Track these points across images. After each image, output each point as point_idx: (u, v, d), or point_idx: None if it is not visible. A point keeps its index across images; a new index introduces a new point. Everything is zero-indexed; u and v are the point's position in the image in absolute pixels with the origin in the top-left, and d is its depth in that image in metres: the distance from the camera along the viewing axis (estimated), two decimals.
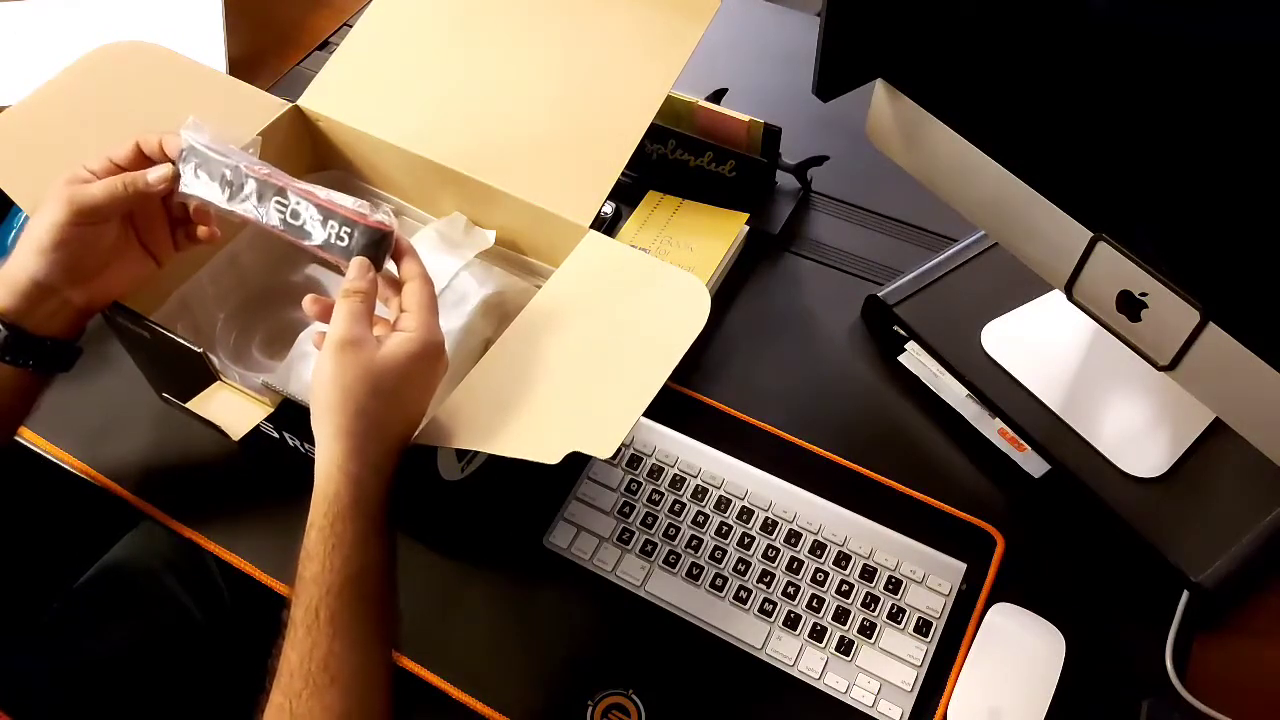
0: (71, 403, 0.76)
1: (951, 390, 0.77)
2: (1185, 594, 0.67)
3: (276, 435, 0.67)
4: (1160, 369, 0.61)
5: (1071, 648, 0.64)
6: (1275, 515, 0.68)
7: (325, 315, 0.57)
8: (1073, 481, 0.71)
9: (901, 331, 0.79)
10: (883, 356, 0.81)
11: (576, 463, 0.74)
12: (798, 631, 0.66)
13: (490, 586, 0.69)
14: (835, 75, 0.69)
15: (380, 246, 0.58)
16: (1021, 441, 0.73)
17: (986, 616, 0.66)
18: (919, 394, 0.79)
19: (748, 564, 0.69)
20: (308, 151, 0.78)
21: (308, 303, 0.58)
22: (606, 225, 0.89)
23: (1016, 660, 0.64)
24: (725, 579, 0.68)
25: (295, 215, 0.59)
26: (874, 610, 0.67)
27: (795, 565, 0.69)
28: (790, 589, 0.68)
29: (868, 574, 0.68)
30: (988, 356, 0.76)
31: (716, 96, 0.91)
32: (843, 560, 0.69)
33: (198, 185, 0.60)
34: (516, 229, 0.72)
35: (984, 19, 0.60)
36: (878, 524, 0.70)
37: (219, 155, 0.59)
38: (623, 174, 0.68)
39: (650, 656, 0.66)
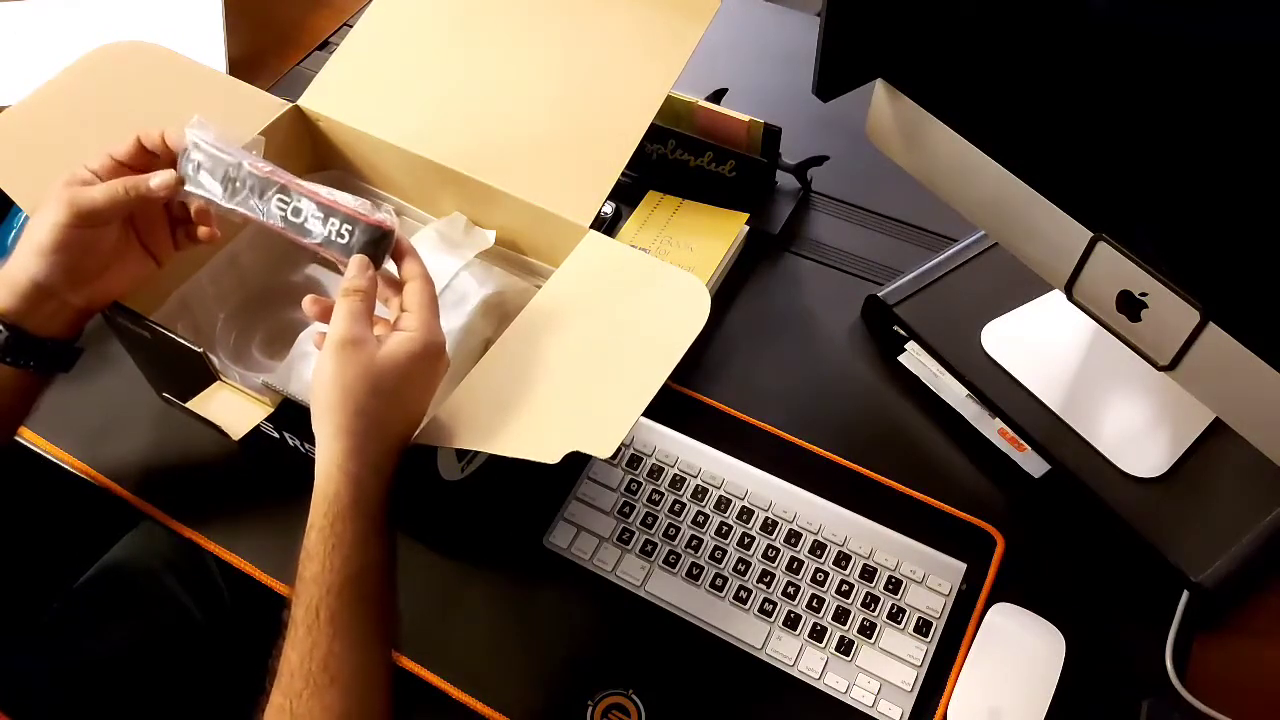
0: (71, 403, 0.76)
1: (951, 390, 0.77)
2: (1185, 594, 0.67)
3: (276, 435, 0.67)
4: (1160, 369, 0.61)
5: (1071, 648, 0.64)
6: (1275, 515, 0.68)
7: (325, 316, 0.57)
8: (1073, 481, 0.71)
9: (901, 331, 0.79)
10: (883, 356, 0.81)
11: (576, 463, 0.74)
12: (798, 631, 0.66)
13: (490, 586, 0.69)
14: (835, 75, 0.69)
15: (380, 245, 0.58)
16: (1021, 441, 0.73)
17: (986, 616, 0.66)
18: (919, 394, 0.79)
19: (748, 564, 0.69)
20: (308, 151, 0.78)
21: (307, 303, 0.58)
22: (606, 225, 0.89)
23: (1016, 660, 0.65)
24: (725, 579, 0.68)
25: (296, 213, 0.59)
26: (874, 610, 0.67)
27: (795, 565, 0.69)
28: (790, 589, 0.68)
29: (868, 574, 0.68)
30: (988, 356, 0.76)
31: (716, 96, 0.91)
32: (843, 560, 0.69)
33: (200, 183, 0.60)
34: (516, 229, 0.72)
35: (984, 19, 0.60)
36: (878, 524, 0.70)
37: (222, 153, 0.59)
38: (623, 174, 0.68)
39: (650, 656, 0.66)
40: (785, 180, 0.92)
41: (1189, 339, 0.58)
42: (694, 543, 0.70)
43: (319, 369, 0.54)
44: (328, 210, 0.58)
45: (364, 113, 0.74)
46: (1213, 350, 0.57)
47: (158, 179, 0.59)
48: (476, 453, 0.66)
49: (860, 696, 0.64)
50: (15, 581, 0.80)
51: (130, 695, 0.77)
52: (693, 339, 0.57)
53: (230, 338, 0.74)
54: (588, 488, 0.73)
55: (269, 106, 0.74)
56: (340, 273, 0.58)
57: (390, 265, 0.59)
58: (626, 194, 0.90)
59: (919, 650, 0.65)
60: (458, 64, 0.74)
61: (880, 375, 0.81)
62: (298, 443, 0.66)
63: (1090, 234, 0.61)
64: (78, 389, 0.76)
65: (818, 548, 0.69)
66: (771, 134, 0.85)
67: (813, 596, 0.67)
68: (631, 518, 0.71)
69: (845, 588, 0.68)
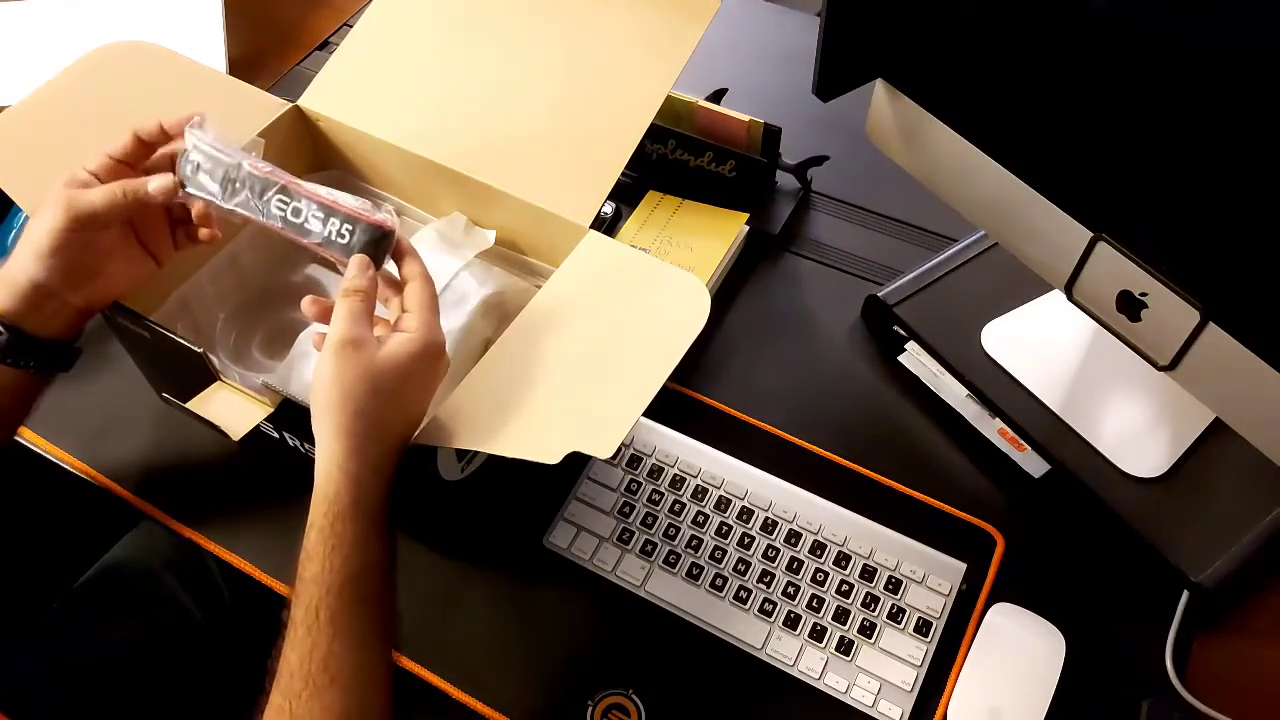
0: (71, 403, 0.76)
1: (951, 390, 0.77)
2: (1185, 594, 0.67)
3: (276, 435, 0.67)
4: (1160, 369, 0.61)
5: (1071, 648, 0.64)
6: (1275, 515, 0.68)
7: (324, 317, 0.57)
8: (1073, 481, 0.71)
9: (901, 331, 0.79)
10: (883, 356, 0.81)
11: (576, 463, 0.74)
12: (798, 631, 0.66)
13: (490, 586, 0.69)
14: (835, 75, 0.69)
15: (381, 245, 0.58)
16: (1021, 441, 0.73)
17: (986, 616, 0.66)
18: (919, 394, 0.79)
19: (748, 564, 0.69)
20: (308, 151, 0.78)
21: (307, 304, 0.58)
22: (606, 225, 0.89)
23: (1016, 660, 0.64)
24: (725, 579, 0.68)
25: (296, 213, 0.59)
26: (874, 610, 0.67)
27: (795, 565, 0.69)
28: (790, 589, 0.68)
29: (868, 574, 0.68)
30: (988, 356, 0.76)
31: (716, 96, 0.91)
32: (843, 560, 0.69)
33: (199, 184, 0.60)
34: (516, 229, 0.72)
35: (984, 19, 0.60)
36: (878, 524, 0.70)
37: (221, 155, 0.59)
38: (623, 174, 0.68)
39: (650, 656, 0.66)
40: (785, 180, 0.92)
41: (1189, 339, 0.58)
42: (694, 543, 0.70)
43: (319, 369, 0.54)
44: (328, 210, 0.58)
45: (364, 113, 0.74)
46: (1213, 350, 0.57)
47: (155, 183, 0.59)
48: (476, 453, 0.66)
49: (860, 696, 0.64)
50: (15, 581, 0.80)
51: (130, 695, 0.77)
52: (693, 339, 0.57)
53: (230, 338, 0.74)
54: (588, 488, 0.73)
55: (269, 106, 0.74)
56: (340, 273, 0.58)
57: (391, 265, 0.59)
58: (626, 194, 0.90)
59: (919, 650, 0.65)
60: (458, 64, 0.74)
61: (880, 375, 0.81)
62: (298, 443, 0.66)
63: (1090, 234, 0.61)
64: (78, 389, 0.76)
65: (818, 548, 0.69)
66: (771, 134, 0.85)
67: (813, 596, 0.67)
68: (631, 518, 0.71)
69: (845, 588, 0.68)
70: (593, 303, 0.62)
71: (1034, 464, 0.73)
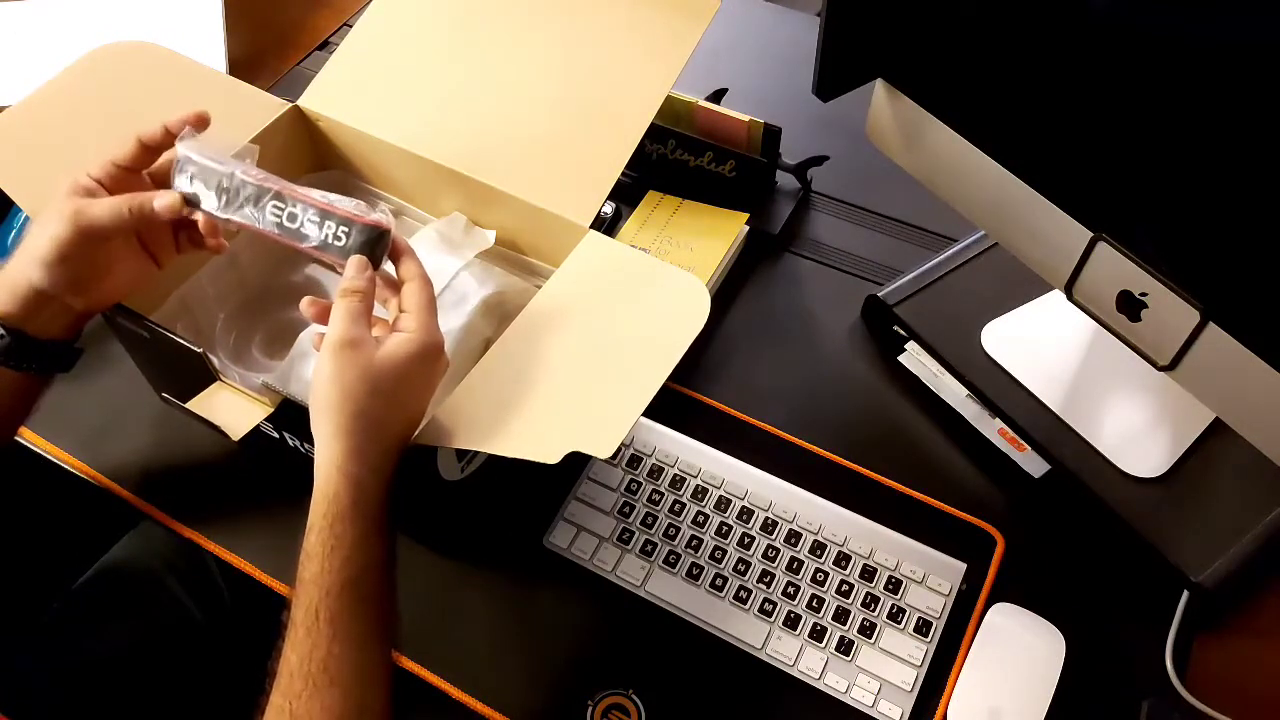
0: (71, 403, 0.76)
1: (951, 390, 0.77)
2: (1185, 594, 0.67)
3: (276, 435, 0.67)
4: (1160, 369, 0.61)
5: (1071, 648, 0.64)
6: (1275, 515, 0.68)
7: (323, 317, 0.57)
8: (1073, 481, 0.71)
9: (901, 331, 0.79)
10: (883, 356, 0.81)
11: (576, 463, 0.74)
12: (798, 631, 0.66)
13: (490, 586, 0.69)
14: (835, 75, 0.69)
15: (377, 245, 0.58)
16: (1021, 441, 0.73)
17: (986, 616, 0.66)
18: (919, 394, 0.79)
19: (748, 564, 0.69)
20: (308, 151, 0.77)
21: (305, 304, 0.58)
22: (606, 225, 0.89)
23: (1016, 660, 0.64)
24: (725, 579, 0.68)
25: (292, 218, 0.59)
26: (874, 610, 0.67)
27: (795, 565, 0.69)
28: (790, 589, 0.68)
29: (868, 574, 0.68)
30: (988, 356, 0.76)
31: (716, 96, 0.91)
32: (843, 560, 0.69)
33: (194, 195, 0.60)
34: (516, 229, 0.72)
35: (984, 19, 0.60)
36: (878, 524, 0.70)
37: (214, 164, 0.59)
38: (623, 174, 0.68)
39: (650, 656, 0.66)
40: (785, 180, 0.92)
41: (1189, 339, 0.58)
42: (694, 543, 0.70)
43: (318, 370, 0.54)
44: (323, 213, 0.58)
45: (364, 113, 0.74)
46: (1213, 350, 0.57)
47: (162, 200, 0.59)
48: (476, 453, 0.66)
49: (860, 696, 0.64)
50: (15, 581, 0.80)
51: (130, 695, 0.77)
52: (693, 339, 0.57)
53: (230, 338, 0.74)
54: (588, 488, 0.73)
55: (269, 106, 0.74)
56: (339, 274, 0.58)
57: (389, 266, 0.59)
58: (626, 194, 0.90)
59: (919, 650, 0.65)
60: (458, 64, 0.74)
61: (880, 375, 0.81)
62: (298, 443, 0.66)
63: (1090, 234, 0.61)
64: (78, 389, 0.76)
65: (818, 548, 0.69)
66: (771, 134, 0.85)
67: (813, 596, 0.67)
68: (631, 518, 0.71)
69: (845, 588, 0.68)
70: (593, 303, 0.62)
71: (1034, 464, 0.73)
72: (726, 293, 0.86)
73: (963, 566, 0.69)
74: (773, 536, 0.70)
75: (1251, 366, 0.55)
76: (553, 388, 0.57)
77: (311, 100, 0.75)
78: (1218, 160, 0.52)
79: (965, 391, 0.76)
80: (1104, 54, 0.55)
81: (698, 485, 0.72)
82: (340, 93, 0.75)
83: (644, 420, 0.76)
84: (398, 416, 0.55)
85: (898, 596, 0.67)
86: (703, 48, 0.69)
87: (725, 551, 0.69)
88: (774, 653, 0.65)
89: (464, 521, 0.71)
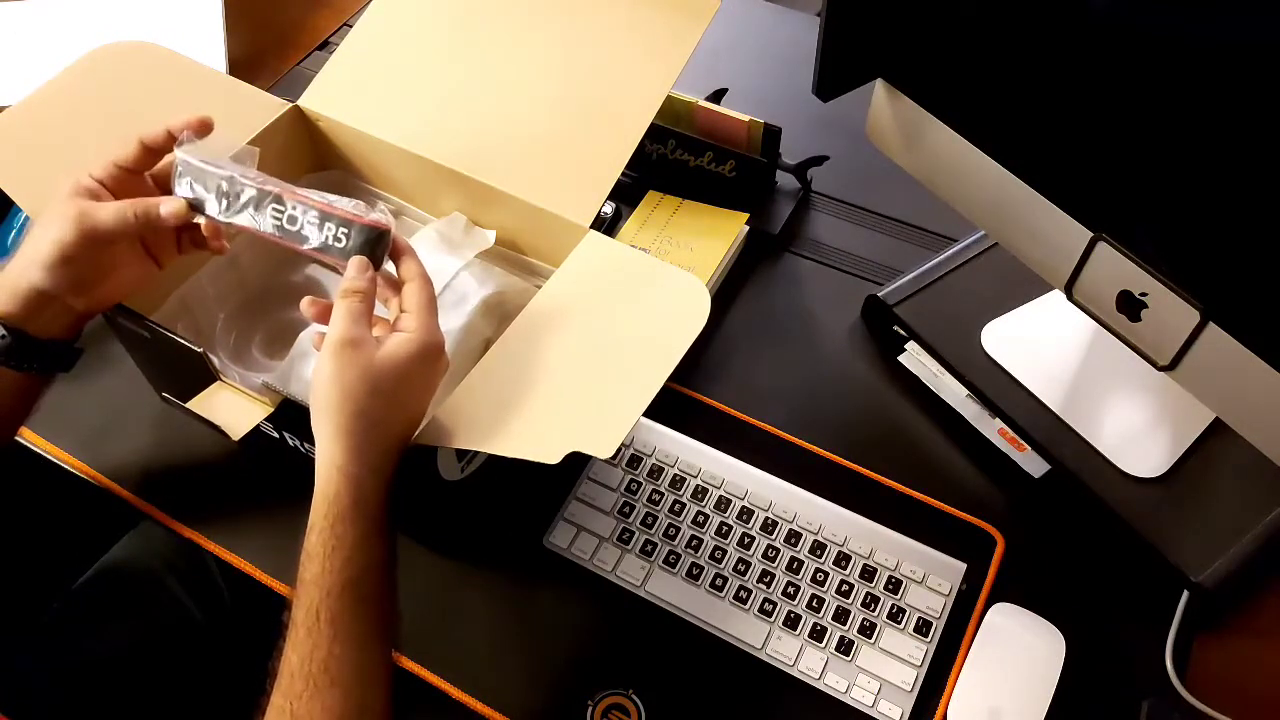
0: (71, 403, 0.76)
1: (951, 390, 0.77)
2: (1185, 594, 0.67)
3: (276, 435, 0.67)
4: (1160, 369, 0.61)
5: (1071, 648, 0.64)
6: (1275, 515, 0.68)
7: (323, 317, 0.57)
8: (1073, 481, 0.71)
9: (901, 331, 0.79)
10: (883, 356, 0.81)
11: (576, 463, 0.74)
12: (798, 631, 0.66)
13: (490, 586, 0.69)
14: (835, 75, 0.69)
15: (378, 245, 0.58)
16: (1021, 441, 0.73)
17: (986, 616, 0.66)
18: (919, 394, 0.79)
19: (748, 564, 0.69)
20: (308, 152, 0.77)
21: (305, 304, 0.58)
22: (606, 225, 0.89)
23: (1016, 660, 0.65)
24: (725, 579, 0.68)
25: (292, 220, 0.59)
26: (874, 610, 0.67)
27: (795, 565, 0.69)
28: (790, 589, 0.68)
29: (868, 574, 0.68)
30: (988, 356, 0.76)
31: (716, 96, 0.91)
32: (843, 560, 0.69)
33: (194, 200, 0.60)
34: (516, 229, 0.72)
35: (984, 19, 0.60)
36: (878, 524, 0.70)
37: (212, 168, 0.60)
38: (623, 174, 0.68)
39: (650, 656, 0.66)
40: (785, 180, 0.92)
41: (1189, 339, 0.58)
42: (694, 543, 0.70)
43: (318, 370, 0.54)
44: (323, 215, 0.58)
45: (364, 113, 0.74)
46: (1213, 350, 0.57)
47: (167, 207, 0.59)
48: (476, 453, 0.66)
49: (860, 696, 0.64)
50: (15, 581, 0.80)
51: (130, 695, 0.77)
52: (693, 339, 0.57)
53: (230, 338, 0.74)
54: (588, 488, 0.73)
55: (269, 106, 0.74)
56: (340, 274, 0.58)
57: (389, 266, 0.59)
58: (626, 194, 0.90)
59: (919, 650, 0.65)
60: (458, 64, 0.74)
61: (880, 375, 0.81)
62: (298, 443, 0.66)
63: (1090, 234, 0.61)
64: (78, 389, 0.76)
65: (818, 548, 0.69)
66: (771, 134, 0.85)
67: (813, 596, 0.67)
68: (631, 518, 0.71)
69: (845, 588, 0.68)
70: (593, 303, 0.62)
71: (1034, 464, 0.73)
72: (726, 293, 0.86)
73: (963, 566, 0.69)
74: (773, 536, 0.70)
75: (1251, 366, 0.55)
76: (553, 388, 0.57)
77: (311, 100, 0.75)
78: (1217, 160, 0.52)
79: (965, 391, 0.76)
80: (1104, 54, 0.55)
81: (698, 485, 0.72)
82: (340, 93, 0.75)
83: (644, 420, 0.76)
84: (398, 416, 0.56)
85: (898, 596, 0.67)
86: (703, 48, 0.69)
87: (725, 551, 0.69)
88: (774, 653, 0.65)
89: (464, 521, 0.71)
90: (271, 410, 0.61)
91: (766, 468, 0.73)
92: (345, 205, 0.58)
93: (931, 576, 0.68)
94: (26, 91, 0.70)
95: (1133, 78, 0.54)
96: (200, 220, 0.61)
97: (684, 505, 0.72)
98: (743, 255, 0.88)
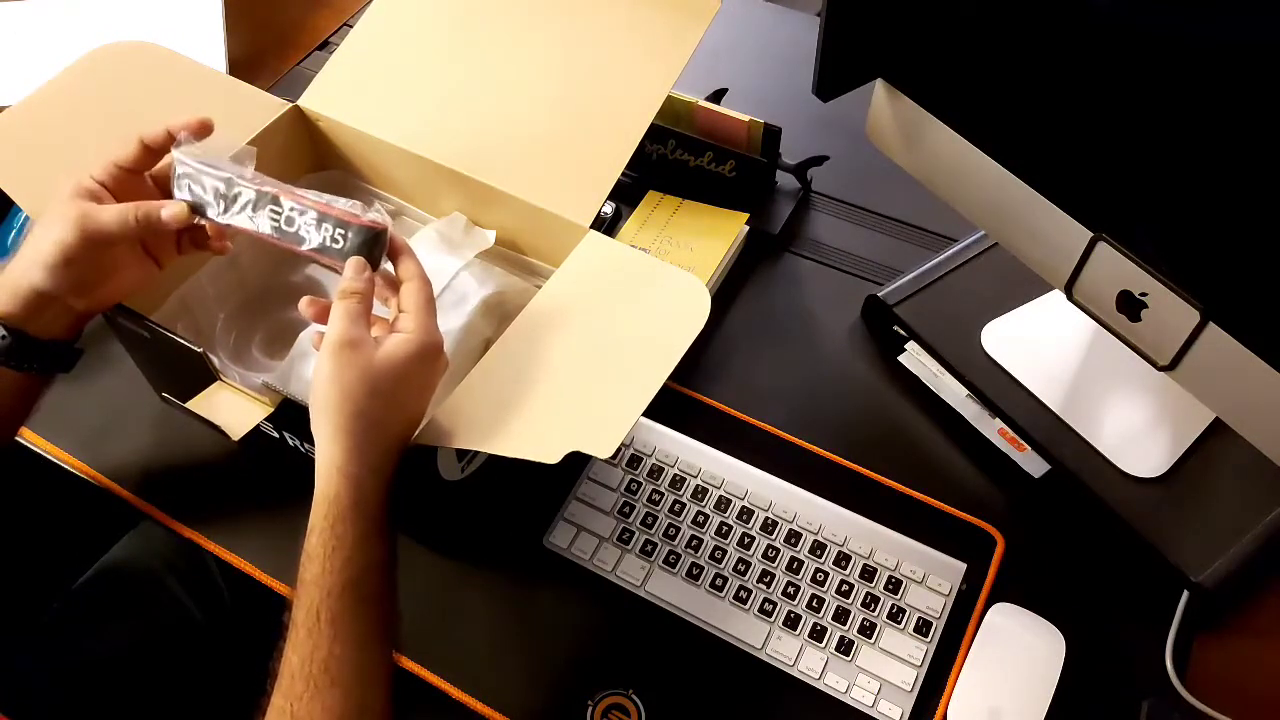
0: (71, 403, 0.76)
1: (951, 390, 0.77)
2: (1185, 594, 0.67)
3: (276, 435, 0.67)
4: (1160, 369, 0.61)
5: (1071, 648, 0.64)
6: (1275, 515, 0.68)
7: (322, 317, 0.57)
8: (1073, 481, 0.71)
9: (901, 331, 0.79)
10: (883, 356, 0.81)
11: (576, 463, 0.74)
12: (798, 631, 0.66)
13: (490, 586, 0.69)
14: (835, 75, 0.69)
15: (375, 245, 0.58)
16: (1021, 441, 0.73)
17: (986, 616, 0.66)
18: (919, 394, 0.79)
19: (748, 564, 0.69)
20: (308, 152, 0.77)
21: (304, 304, 0.58)
22: (606, 225, 0.89)
23: (1016, 660, 0.65)
24: (725, 579, 0.68)
25: (289, 222, 0.59)
26: (874, 610, 0.67)
27: (795, 565, 0.69)
28: (790, 589, 0.68)
29: (868, 574, 0.68)
30: (988, 356, 0.76)
31: (716, 96, 0.91)
32: (843, 560, 0.69)
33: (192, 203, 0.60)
34: (516, 229, 0.72)
35: (984, 19, 0.60)
36: (878, 524, 0.70)
37: (210, 170, 0.60)
38: (623, 174, 0.68)
39: (650, 656, 0.66)
40: (785, 180, 0.92)
41: (1189, 339, 0.58)
42: (694, 543, 0.70)
43: (317, 370, 0.54)
44: (320, 216, 0.58)
45: (364, 113, 0.74)
46: (1213, 350, 0.57)
47: (169, 211, 0.59)
48: (476, 453, 0.66)
49: (860, 696, 0.64)
50: (15, 581, 0.80)
51: (130, 695, 0.77)
52: (693, 339, 0.57)
53: (230, 338, 0.74)
54: (588, 488, 0.73)
55: (269, 106, 0.74)
56: (339, 273, 0.58)
57: (388, 265, 0.59)
58: (626, 194, 0.90)
59: (919, 650, 0.65)
60: (458, 64, 0.74)
61: (880, 375, 0.81)
62: (298, 443, 0.66)
63: (1090, 234, 0.61)
64: (78, 389, 0.76)
65: (818, 548, 0.69)
66: (771, 134, 0.85)
67: (813, 596, 0.67)
68: (631, 518, 0.71)
69: (845, 588, 0.68)
70: (593, 303, 0.62)
71: (1034, 464, 0.73)
72: (726, 293, 0.86)
73: (963, 566, 0.69)
74: (773, 536, 0.70)
75: (1251, 366, 0.55)
76: (553, 388, 0.57)
77: (311, 100, 0.75)
78: (1217, 160, 0.52)
79: (965, 391, 0.76)
80: (1104, 54, 0.55)
81: (698, 485, 0.72)
82: (340, 93, 0.75)
83: (644, 420, 0.76)
84: (397, 417, 0.56)
85: (898, 596, 0.67)
86: (703, 48, 0.69)
87: (725, 551, 0.69)
88: (774, 653, 0.65)
89: (464, 521, 0.71)
90: (271, 410, 0.61)
91: (766, 468, 0.73)
92: (342, 205, 0.58)
93: (931, 576, 0.68)
94: (26, 91, 0.70)
95: (1133, 78, 0.54)
96: (202, 222, 0.61)
97: (684, 505, 0.72)
98: (743, 255, 0.88)
